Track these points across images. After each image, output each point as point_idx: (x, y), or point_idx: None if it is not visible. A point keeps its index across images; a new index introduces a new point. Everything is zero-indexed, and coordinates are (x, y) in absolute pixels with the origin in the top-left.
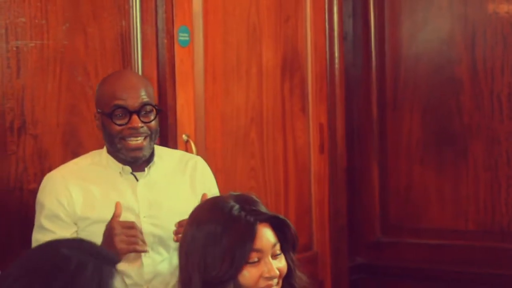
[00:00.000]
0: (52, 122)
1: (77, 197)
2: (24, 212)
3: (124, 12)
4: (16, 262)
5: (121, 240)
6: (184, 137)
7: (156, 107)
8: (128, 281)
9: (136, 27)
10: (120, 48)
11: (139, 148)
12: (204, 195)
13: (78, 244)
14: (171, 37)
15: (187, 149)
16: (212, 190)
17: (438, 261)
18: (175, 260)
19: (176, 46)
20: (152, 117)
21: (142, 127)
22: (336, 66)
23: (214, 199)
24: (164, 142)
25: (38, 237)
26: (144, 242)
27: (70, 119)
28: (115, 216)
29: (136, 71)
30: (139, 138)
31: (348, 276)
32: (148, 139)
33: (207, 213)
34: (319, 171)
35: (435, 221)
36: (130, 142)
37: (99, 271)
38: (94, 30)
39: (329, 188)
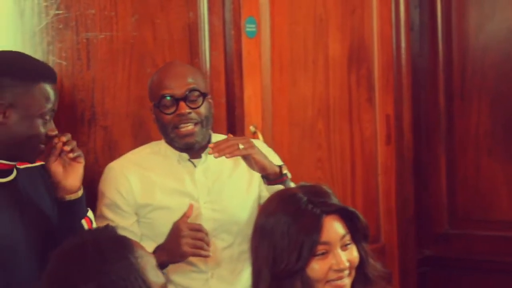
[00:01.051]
0: (122, 113)
1: (136, 185)
2: (94, 203)
3: (192, 3)
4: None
5: (187, 242)
6: (252, 128)
7: (202, 92)
8: (192, 268)
9: (204, 18)
10: (187, 39)
11: (190, 134)
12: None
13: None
14: (238, 28)
15: None
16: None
17: (507, 253)
18: (238, 246)
19: (243, 37)
20: (200, 103)
21: (190, 113)
22: (403, 56)
23: (283, 191)
24: (232, 134)
25: (98, 225)
26: (208, 245)
27: (139, 111)
28: (185, 217)
29: (204, 62)
30: (189, 124)
31: (416, 269)
32: (199, 125)
33: (276, 205)
34: (386, 162)
35: (503, 213)
36: (181, 129)
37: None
38: (162, 21)
39: (396, 179)
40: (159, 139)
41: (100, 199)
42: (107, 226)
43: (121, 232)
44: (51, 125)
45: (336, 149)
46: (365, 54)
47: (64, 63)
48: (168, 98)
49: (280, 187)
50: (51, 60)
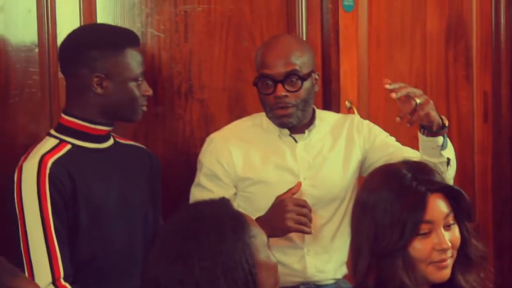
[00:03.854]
0: (218, 87)
1: (237, 158)
2: (190, 176)
3: None
4: (168, 220)
5: (292, 217)
6: (347, 103)
7: (301, 75)
8: (288, 243)
9: None
10: (285, 12)
11: (285, 116)
12: None
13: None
14: (335, 1)
15: None
16: (377, 136)
17: None
18: (335, 223)
19: (340, 11)
20: (299, 86)
21: (286, 96)
22: (502, 33)
23: (387, 166)
24: (327, 108)
25: (196, 194)
26: (311, 221)
27: (236, 84)
28: (290, 192)
29: (300, 36)
30: (285, 107)
31: (511, 249)
32: (295, 108)
33: (379, 180)
34: (483, 141)
35: None
36: (277, 111)
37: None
38: None
39: (492, 158)
40: (255, 113)
41: (199, 169)
42: (223, 200)
43: None
44: (145, 85)
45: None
46: (463, 30)
47: (162, 35)
48: (267, 78)
49: (439, 140)
50: (150, 32)
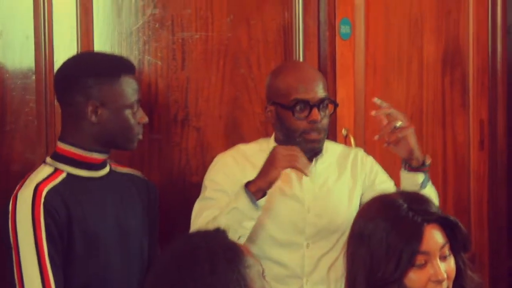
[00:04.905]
0: (215, 114)
1: (245, 178)
2: (186, 204)
3: (287, 4)
4: (163, 251)
5: (283, 156)
6: (344, 131)
7: (334, 102)
8: (286, 272)
9: (299, 19)
10: (282, 40)
11: (318, 140)
12: None
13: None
14: (332, 29)
15: (346, 144)
16: (378, 174)
17: None
18: (334, 253)
19: (337, 38)
20: (331, 111)
21: (321, 120)
22: (499, 60)
23: (383, 196)
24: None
25: (200, 206)
26: (306, 163)
27: (232, 112)
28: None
29: None
30: (318, 132)
31: (507, 278)
32: (323, 133)
33: (375, 210)
34: (479, 169)
35: None
36: (311, 136)
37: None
38: (257, 22)
39: (488, 186)
40: (252, 140)
41: (206, 184)
42: (218, 230)
43: None
44: (140, 113)
45: (428, 154)
46: (460, 57)
47: (159, 62)
48: (302, 103)
49: (419, 178)
50: (147, 60)
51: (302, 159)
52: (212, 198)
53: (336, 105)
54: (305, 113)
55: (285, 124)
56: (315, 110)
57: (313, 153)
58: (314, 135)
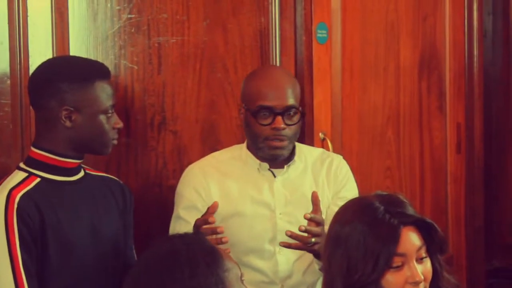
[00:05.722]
0: (191, 118)
1: (214, 190)
2: (163, 208)
3: (263, 8)
4: (143, 254)
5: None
6: (321, 135)
7: (301, 111)
8: (263, 278)
9: (275, 23)
10: (258, 44)
11: (279, 148)
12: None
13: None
14: (309, 34)
15: (323, 148)
16: (347, 185)
17: None
18: (309, 258)
19: (314, 43)
20: (296, 120)
21: (284, 128)
22: (475, 64)
23: (359, 199)
24: (300, 140)
25: (174, 226)
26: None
27: (209, 116)
28: (209, 213)
29: None
30: (281, 139)
31: (484, 280)
32: (288, 141)
33: (351, 213)
34: (456, 171)
35: None
36: (272, 142)
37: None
38: (234, 26)
39: (465, 188)
40: (229, 144)
41: (177, 201)
42: (198, 233)
43: None
44: (115, 118)
45: (405, 158)
46: (437, 61)
47: (135, 67)
48: (266, 110)
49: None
50: (123, 64)
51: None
52: (184, 219)
53: (303, 114)
54: (269, 120)
55: (250, 129)
56: (278, 118)
57: (282, 159)
58: (276, 143)
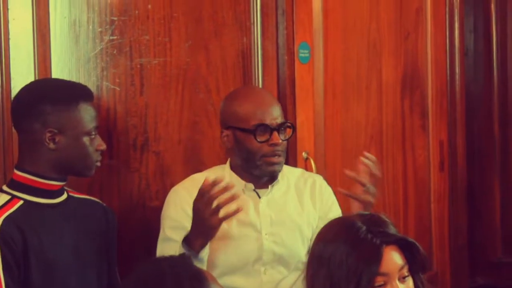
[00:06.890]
0: (174, 139)
1: None
2: (146, 229)
3: (246, 29)
4: (128, 276)
5: (209, 213)
6: (304, 154)
7: (293, 126)
8: None
9: (257, 43)
10: (241, 64)
11: (278, 163)
12: None
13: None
14: (291, 53)
15: (307, 167)
16: (332, 207)
17: None
18: (293, 277)
19: (296, 62)
20: (288, 135)
21: (281, 144)
22: (457, 82)
23: (342, 219)
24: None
25: (162, 248)
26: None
27: (192, 136)
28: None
29: None
30: (278, 156)
31: None
32: (283, 157)
33: (334, 233)
34: (439, 189)
35: None
36: (272, 159)
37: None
38: (216, 47)
39: (449, 206)
40: (212, 165)
41: (164, 224)
42: (184, 256)
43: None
44: (98, 140)
45: (388, 176)
46: (419, 79)
47: (117, 88)
48: (263, 127)
49: None
50: (105, 86)
51: (227, 193)
52: (171, 239)
53: (294, 129)
54: (266, 136)
55: (246, 148)
56: (275, 134)
57: (270, 178)
58: (275, 159)
